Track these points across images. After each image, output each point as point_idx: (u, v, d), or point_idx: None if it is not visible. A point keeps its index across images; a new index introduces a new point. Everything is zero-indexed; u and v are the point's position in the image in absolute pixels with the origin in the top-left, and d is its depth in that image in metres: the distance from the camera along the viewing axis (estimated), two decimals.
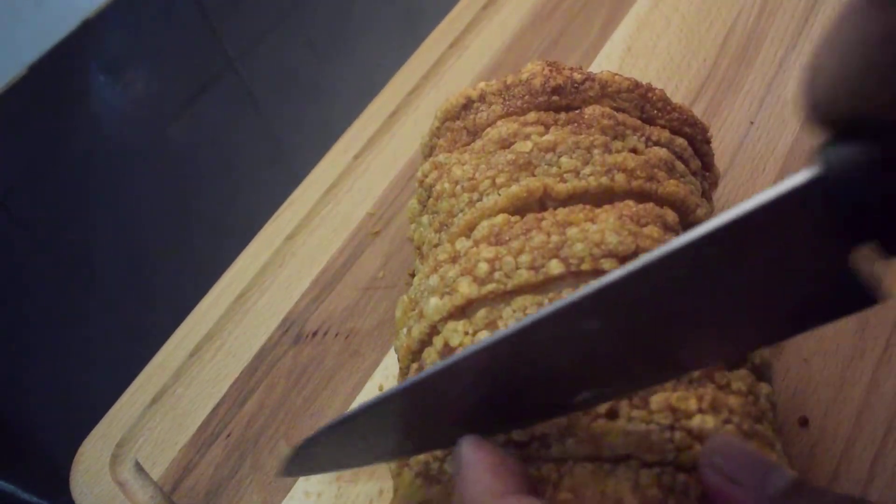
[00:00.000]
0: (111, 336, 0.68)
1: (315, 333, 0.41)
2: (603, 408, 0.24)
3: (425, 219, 0.34)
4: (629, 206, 0.29)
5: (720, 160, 0.43)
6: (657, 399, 0.24)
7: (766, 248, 0.17)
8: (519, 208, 0.30)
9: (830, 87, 0.17)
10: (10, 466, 0.61)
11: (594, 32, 0.52)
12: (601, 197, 0.30)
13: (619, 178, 0.30)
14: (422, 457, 0.26)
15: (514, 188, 0.30)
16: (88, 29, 0.56)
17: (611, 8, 0.53)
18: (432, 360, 0.28)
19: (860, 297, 0.17)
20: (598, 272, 0.27)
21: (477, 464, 0.23)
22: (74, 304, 0.65)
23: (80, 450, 0.39)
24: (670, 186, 0.30)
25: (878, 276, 0.17)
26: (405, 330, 0.30)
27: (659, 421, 0.24)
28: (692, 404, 0.24)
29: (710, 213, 0.32)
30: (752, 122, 0.45)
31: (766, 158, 0.43)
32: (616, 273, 0.18)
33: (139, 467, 0.38)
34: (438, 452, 0.25)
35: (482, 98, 0.34)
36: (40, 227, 0.60)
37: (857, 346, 0.35)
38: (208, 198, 0.75)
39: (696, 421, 0.24)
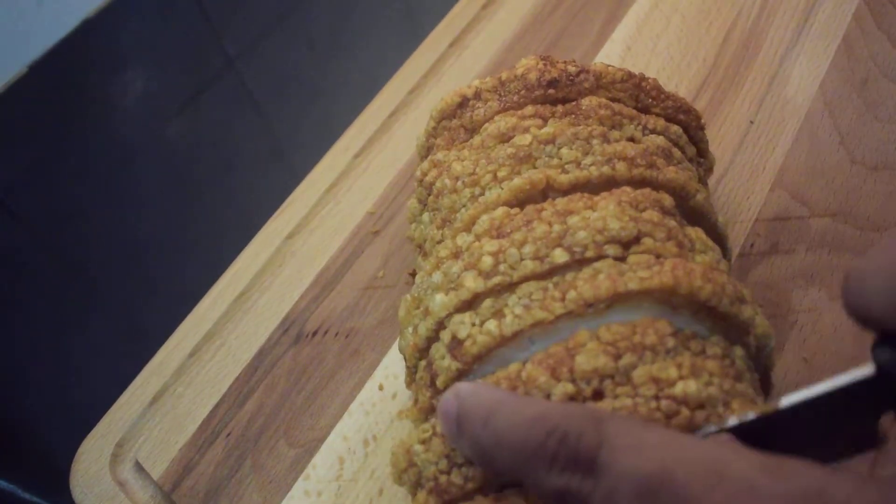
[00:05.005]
0: (111, 336, 0.68)
1: (315, 333, 0.41)
2: (588, 390, 0.24)
3: (426, 216, 0.34)
4: (627, 191, 0.29)
5: (720, 160, 0.43)
6: (639, 373, 0.24)
7: (825, 419, 0.23)
8: (522, 200, 0.30)
9: (875, 299, 0.21)
10: (10, 466, 0.61)
11: (594, 32, 0.52)
12: (603, 186, 0.30)
13: (621, 166, 0.30)
14: (430, 472, 0.26)
15: (517, 181, 0.30)
16: (89, 28, 0.56)
17: (611, 8, 0.53)
18: (440, 355, 0.28)
19: (872, 444, 0.23)
20: (602, 258, 0.27)
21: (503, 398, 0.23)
22: (74, 304, 0.65)
23: (80, 449, 0.39)
24: (670, 173, 0.31)
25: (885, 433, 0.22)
26: (411, 329, 0.30)
27: (644, 393, 0.24)
28: (672, 372, 0.24)
29: (708, 198, 0.33)
30: (751, 122, 0.45)
31: (766, 158, 0.43)
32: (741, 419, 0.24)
33: (139, 467, 0.38)
34: (444, 465, 0.26)
35: (477, 95, 0.34)
36: (40, 226, 0.60)
37: (858, 346, 0.35)
38: (208, 197, 0.75)
39: (679, 387, 0.24)
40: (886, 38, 0.47)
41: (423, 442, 0.26)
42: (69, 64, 0.57)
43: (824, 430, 0.23)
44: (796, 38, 0.48)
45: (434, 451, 0.26)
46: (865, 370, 0.22)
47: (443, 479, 0.26)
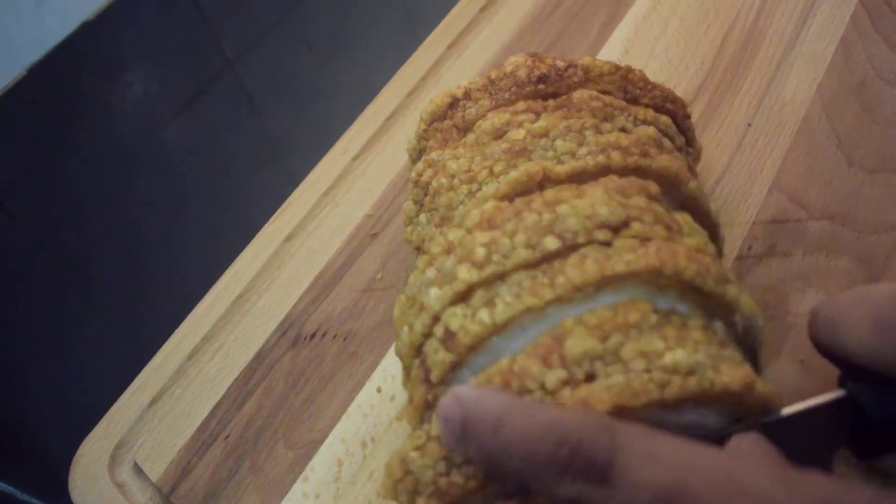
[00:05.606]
0: (109, 337, 0.69)
1: (313, 335, 0.41)
2: (581, 373, 0.25)
3: (423, 217, 0.34)
4: (613, 179, 0.29)
5: (718, 162, 0.43)
6: (627, 350, 0.25)
7: (798, 433, 0.26)
8: (520, 193, 0.30)
9: (842, 336, 0.25)
10: (9, 468, 0.61)
11: (592, 34, 0.52)
12: (599, 176, 0.30)
13: (615, 156, 0.30)
14: (428, 477, 0.26)
15: (514, 173, 0.30)
16: (88, 31, 0.57)
17: (609, 10, 0.53)
18: (433, 350, 0.28)
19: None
20: (592, 243, 0.27)
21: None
22: (73, 305, 0.65)
23: (79, 451, 0.39)
24: (664, 161, 0.31)
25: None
26: (406, 328, 0.30)
27: (634, 368, 0.24)
28: (659, 344, 0.25)
29: (700, 186, 0.33)
30: (749, 124, 0.45)
31: (764, 160, 0.43)
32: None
33: (138, 469, 0.38)
34: (441, 468, 0.26)
35: (467, 95, 0.35)
36: (39, 227, 0.60)
37: None
38: (207, 199, 0.75)
39: (668, 357, 0.24)
40: (883, 41, 0.47)
41: (417, 448, 0.26)
42: (68, 67, 0.57)
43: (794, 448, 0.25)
44: (794, 40, 0.48)
45: (430, 456, 0.26)
46: (839, 393, 0.25)
47: (442, 481, 0.25)
